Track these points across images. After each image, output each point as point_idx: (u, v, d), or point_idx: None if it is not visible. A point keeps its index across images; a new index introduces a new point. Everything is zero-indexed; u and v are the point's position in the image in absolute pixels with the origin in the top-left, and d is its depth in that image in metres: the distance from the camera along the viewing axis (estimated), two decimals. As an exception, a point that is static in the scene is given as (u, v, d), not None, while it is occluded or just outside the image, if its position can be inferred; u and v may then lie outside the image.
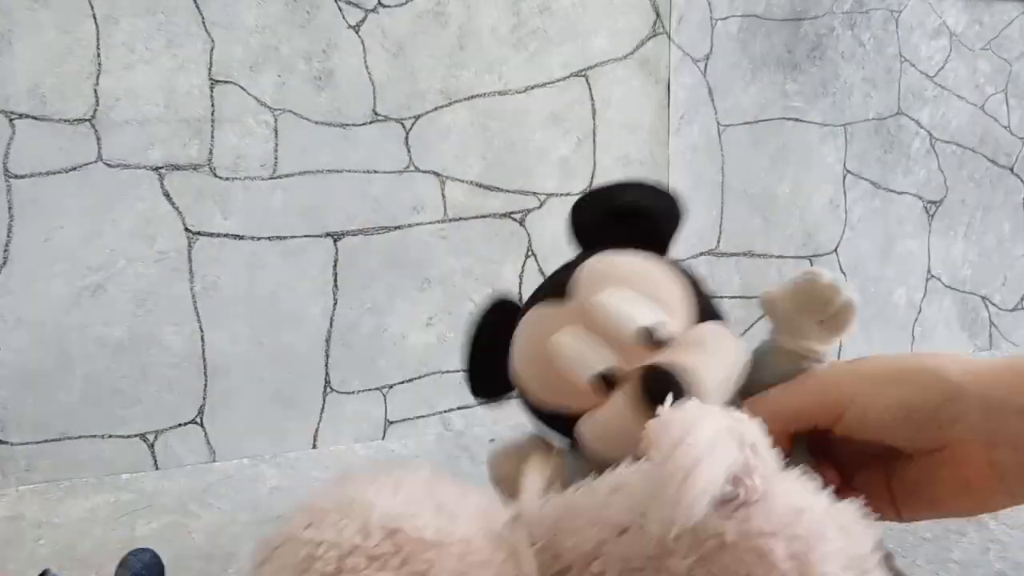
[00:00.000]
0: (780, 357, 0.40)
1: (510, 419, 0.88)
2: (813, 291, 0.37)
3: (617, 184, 0.46)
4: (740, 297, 0.93)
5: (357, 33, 0.75)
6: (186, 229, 0.72)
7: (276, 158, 0.74)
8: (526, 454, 0.38)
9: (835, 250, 1.01)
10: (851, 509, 0.26)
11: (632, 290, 0.35)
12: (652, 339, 0.34)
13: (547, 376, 0.33)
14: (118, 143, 0.69)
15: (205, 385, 0.74)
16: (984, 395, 0.30)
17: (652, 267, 0.38)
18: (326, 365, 0.78)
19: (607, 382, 0.31)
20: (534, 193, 0.84)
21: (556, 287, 0.41)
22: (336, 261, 0.77)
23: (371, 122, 0.77)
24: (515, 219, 0.83)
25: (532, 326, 0.41)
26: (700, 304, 0.37)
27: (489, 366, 0.46)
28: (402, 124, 0.78)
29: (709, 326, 0.39)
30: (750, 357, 0.40)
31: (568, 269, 0.42)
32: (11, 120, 0.66)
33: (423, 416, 0.83)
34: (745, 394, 0.38)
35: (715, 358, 0.34)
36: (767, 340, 0.41)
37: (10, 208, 0.67)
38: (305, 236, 0.76)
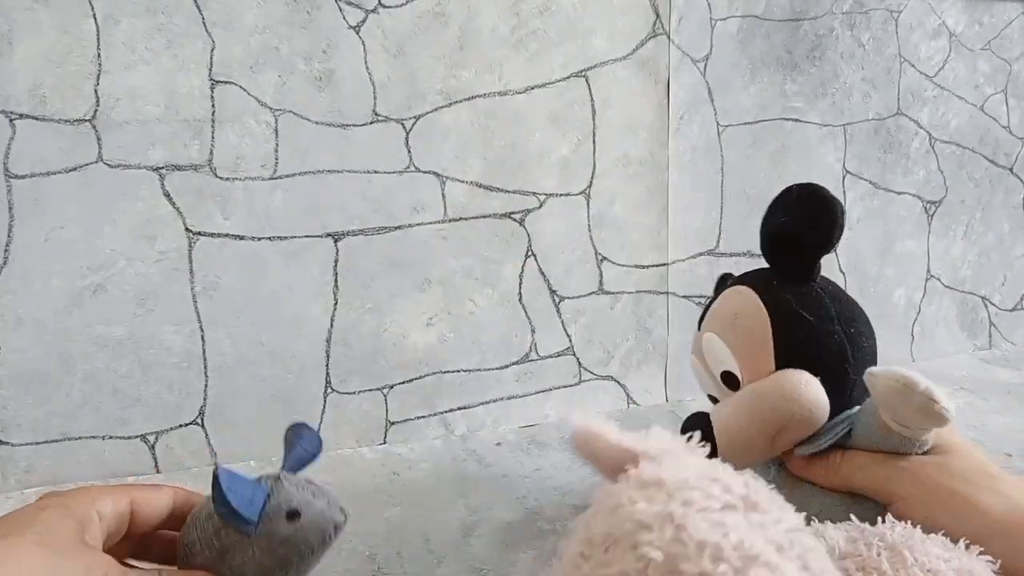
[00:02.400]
0: (880, 426, 0.46)
1: (512, 421, 0.89)
2: (909, 397, 0.42)
3: (782, 198, 0.54)
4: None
5: (357, 33, 0.75)
6: (186, 229, 0.72)
7: (276, 158, 0.74)
8: None
9: (834, 250, 1.01)
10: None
11: (723, 339, 0.50)
12: (725, 384, 0.51)
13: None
14: (118, 143, 0.69)
15: (206, 385, 0.74)
16: (1019, 536, 0.37)
17: (749, 316, 0.50)
18: (327, 365, 0.78)
19: (714, 399, 0.55)
20: (534, 193, 0.84)
21: (702, 315, 0.58)
22: (336, 261, 0.77)
23: (371, 122, 0.77)
24: (515, 219, 0.83)
25: (693, 339, 0.59)
26: (782, 350, 0.48)
27: None
28: (402, 124, 0.78)
29: (769, 381, 0.48)
30: (853, 414, 0.49)
31: (716, 293, 0.58)
32: (11, 120, 0.66)
33: (424, 416, 0.83)
34: (843, 443, 0.47)
35: (742, 413, 0.47)
36: (872, 405, 0.46)
37: (10, 208, 0.67)
38: (306, 236, 0.76)
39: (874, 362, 0.52)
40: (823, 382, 0.48)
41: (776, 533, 0.30)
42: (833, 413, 0.48)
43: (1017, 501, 0.40)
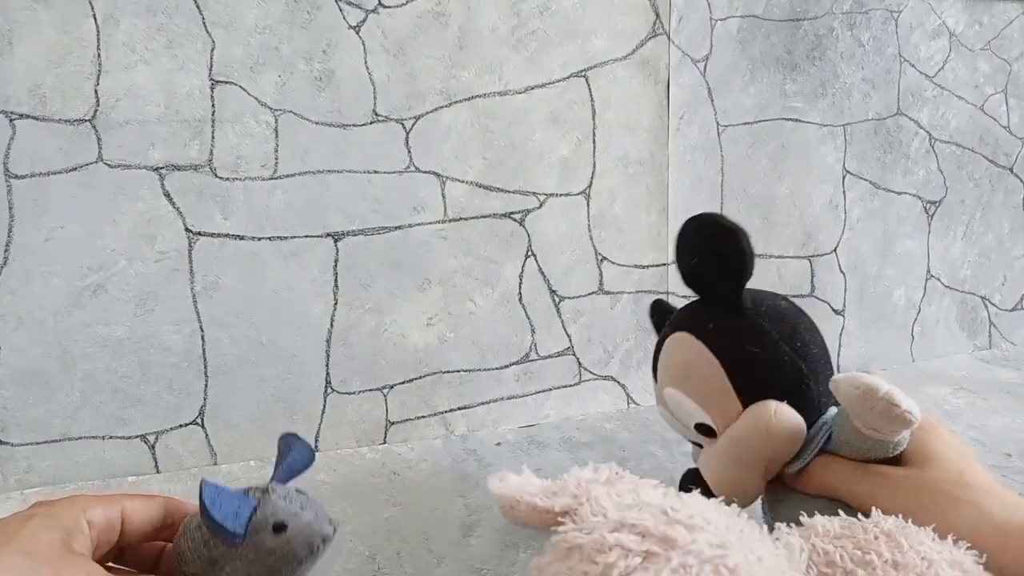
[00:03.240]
0: (854, 430, 0.47)
1: (512, 421, 0.89)
2: (871, 403, 0.43)
3: (684, 238, 0.53)
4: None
5: (357, 33, 0.75)
6: (186, 229, 0.72)
7: (276, 158, 0.74)
8: None
9: (835, 250, 1.01)
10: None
11: (683, 392, 0.52)
12: (702, 433, 0.51)
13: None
14: (118, 143, 0.69)
15: (206, 385, 0.74)
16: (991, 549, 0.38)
17: (700, 366, 0.52)
18: (327, 365, 0.78)
19: (696, 444, 0.56)
20: (534, 193, 0.84)
21: (654, 366, 0.58)
22: (336, 261, 0.77)
23: (371, 122, 0.77)
24: (515, 219, 0.83)
25: (654, 389, 0.59)
26: (742, 388, 0.50)
27: None
28: (402, 124, 0.78)
29: (743, 423, 0.49)
30: (826, 424, 0.50)
31: (659, 342, 0.57)
32: (11, 120, 0.66)
33: (424, 416, 0.83)
34: (827, 448, 0.48)
35: (729, 462, 0.49)
36: (843, 411, 0.46)
37: (10, 208, 0.67)
38: (305, 236, 0.76)
39: (828, 360, 0.52)
40: (791, 403, 0.49)
41: (700, 569, 0.31)
42: (809, 425, 0.49)
43: (989, 513, 0.40)
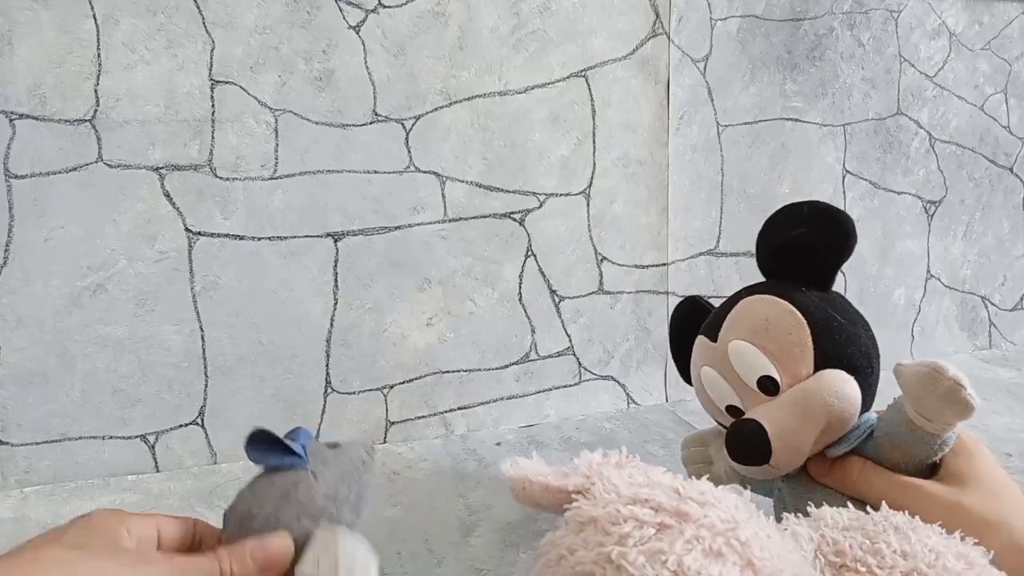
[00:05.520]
0: (904, 422, 0.47)
1: (512, 421, 0.89)
2: (938, 381, 0.43)
3: (790, 214, 0.54)
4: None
5: (357, 33, 0.75)
6: (186, 229, 0.72)
7: (276, 158, 0.74)
8: (711, 440, 0.58)
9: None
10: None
11: (755, 343, 0.51)
12: (762, 389, 0.50)
13: (701, 395, 0.56)
14: (118, 143, 0.69)
15: (206, 385, 0.74)
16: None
17: (784, 321, 0.51)
18: (327, 365, 0.78)
19: (733, 410, 0.53)
20: (534, 193, 0.84)
21: (712, 327, 0.56)
22: (336, 261, 0.77)
23: (371, 122, 0.77)
24: (515, 219, 0.83)
25: (696, 354, 0.57)
26: (821, 352, 0.50)
27: (684, 355, 0.60)
28: (402, 124, 0.78)
29: (816, 381, 0.49)
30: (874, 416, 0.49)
31: (726, 307, 0.56)
32: (11, 120, 0.66)
33: (424, 416, 0.83)
34: (864, 446, 0.49)
35: (796, 413, 0.47)
36: (901, 400, 0.46)
37: (10, 208, 0.67)
38: (305, 236, 0.76)
39: (880, 363, 0.53)
40: (856, 381, 0.50)
41: (712, 541, 0.31)
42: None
43: (1020, 537, 0.40)
